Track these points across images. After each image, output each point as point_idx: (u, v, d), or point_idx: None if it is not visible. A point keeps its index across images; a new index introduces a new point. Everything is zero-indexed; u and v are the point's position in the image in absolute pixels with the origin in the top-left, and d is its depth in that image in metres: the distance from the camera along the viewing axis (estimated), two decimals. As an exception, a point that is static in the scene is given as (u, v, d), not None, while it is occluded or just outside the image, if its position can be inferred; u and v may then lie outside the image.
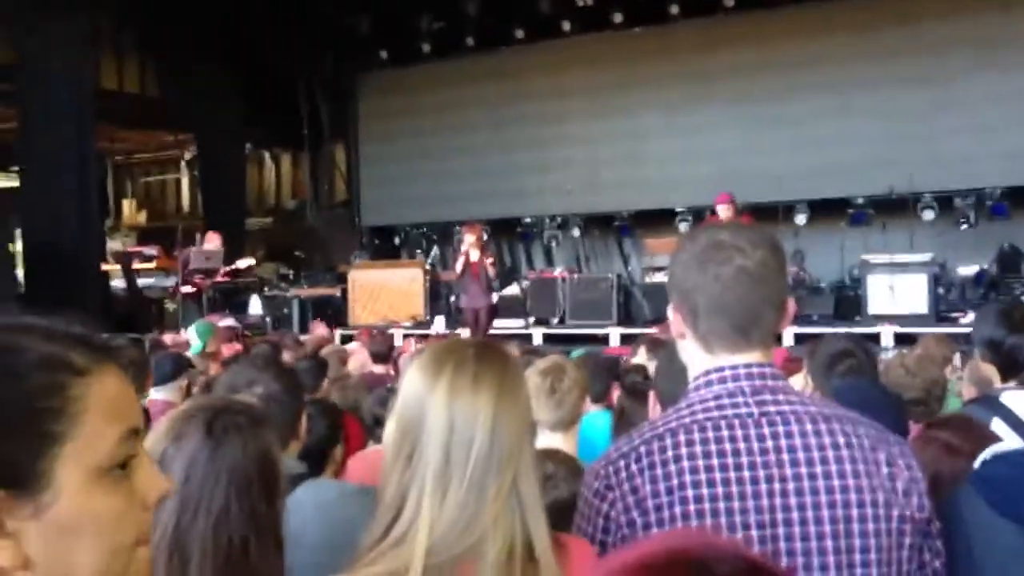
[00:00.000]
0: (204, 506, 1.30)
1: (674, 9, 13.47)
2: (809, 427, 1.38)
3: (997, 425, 2.55)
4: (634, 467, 1.38)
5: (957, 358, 4.88)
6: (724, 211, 9.43)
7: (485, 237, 11.43)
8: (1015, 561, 1.46)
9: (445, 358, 1.30)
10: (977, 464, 1.56)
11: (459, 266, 10.44)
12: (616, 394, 3.76)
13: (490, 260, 10.58)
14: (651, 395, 2.21)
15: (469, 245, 10.37)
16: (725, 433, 1.37)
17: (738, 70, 13.38)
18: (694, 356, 1.47)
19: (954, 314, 10.47)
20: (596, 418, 3.55)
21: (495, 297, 10.64)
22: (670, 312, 1.49)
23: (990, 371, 2.94)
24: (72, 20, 12.16)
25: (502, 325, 11.62)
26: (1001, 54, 11.91)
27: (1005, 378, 2.85)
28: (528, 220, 15.23)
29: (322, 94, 16.77)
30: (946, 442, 1.92)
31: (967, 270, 12.01)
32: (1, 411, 0.78)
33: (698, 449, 1.36)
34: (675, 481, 1.35)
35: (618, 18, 13.93)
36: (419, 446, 1.25)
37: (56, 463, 0.79)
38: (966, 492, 1.53)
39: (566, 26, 14.26)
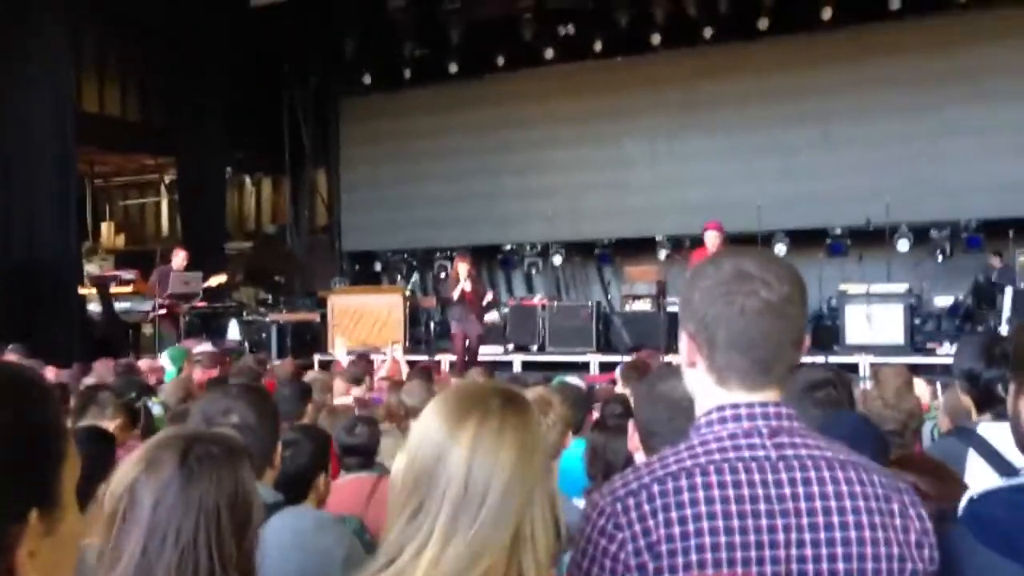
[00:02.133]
0: (172, 537, 1.28)
1: (655, 39, 13.61)
2: (827, 474, 1.33)
3: (972, 457, 2.56)
4: (646, 507, 1.31)
5: (937, 387, 4.89)
6: (712, 238, 9.39)
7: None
8: None
9: (470, 407, 1.26)
10: (964, 503, 1.55)
11: (455, 293, 10.60)
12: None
13: (482, 290, 10.80)
14: (631, 427, 2.19)
15: (463, 274, 10.55)
16: (743, 477, 1.32)
17: (719, 101, 13.51)
18: (704, 387, 1.41)
19: (930, 344, 10.56)
20: (574, 448, 3.53)
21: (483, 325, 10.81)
22: (682, 340, 1.42)
23: (967, 403, 2.96)
24: (53, 42, 12.13)
25: (482, 351, 11.60)
26: (980, 87, 12.09)
27: (981, 410, 2.87)
28: (509, 247, 15.25)
29: (304, 118, 16.79)
30: (913, 485, 1.92)
31: (943, 301, 12.11)
32: (34, 433, 0.81)
33: (716, 493, 1.30)
34: (691, 526, 1.29)
35: (599, 47, 14.05)
36: (431, 495, 1.22)
37: (63, 481, 0.83)
38: (959, 533, 1.51)
39: (549, 54, 14.37)
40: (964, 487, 1.96)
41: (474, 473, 1.21)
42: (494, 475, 1.21)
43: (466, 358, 10.48)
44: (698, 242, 10.07)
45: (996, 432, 2.56)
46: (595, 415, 4.12)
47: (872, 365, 8.64)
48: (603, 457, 2.94)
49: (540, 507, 1.25)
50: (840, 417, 2.67)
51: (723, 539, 1.29)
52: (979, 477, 2.41)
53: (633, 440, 2.21)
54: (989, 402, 2.82)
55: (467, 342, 10.74)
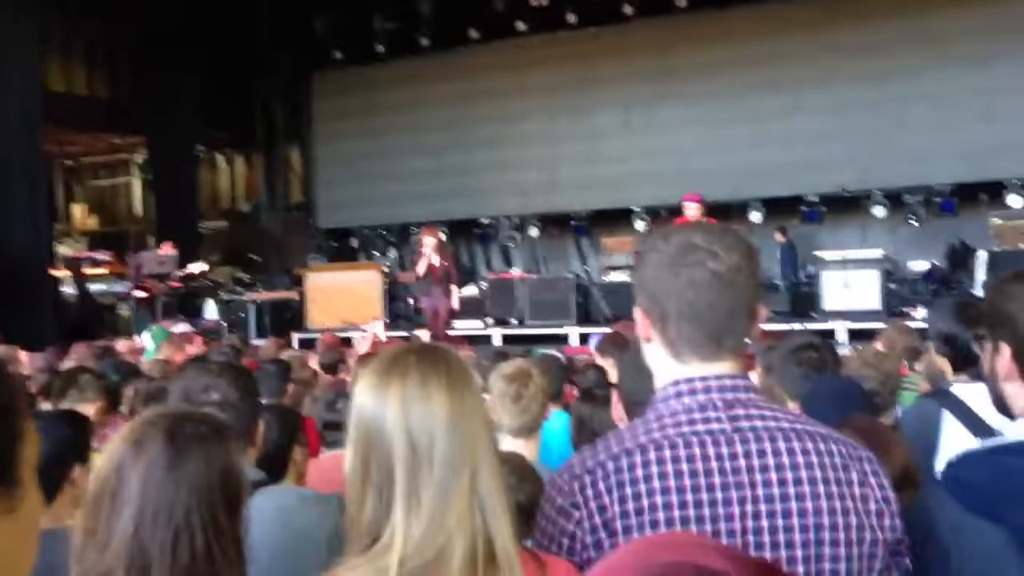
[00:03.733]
0: (164, 515, 1.27)
1: (628, 9, 13.56)
2: (782, 444, 1.33)
3: (947, 418, 2.60)
4: (601, 485, 1.32)
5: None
6: (693, 210, 9.41)
7: (444, 239, 11.46)
8: (996, 562, 1.45)
9: (389, 371, 1.28)
10: (942, 466, 1.57)
11: (420, 268, 10.47)
12: (573, 397, 3.77)
13: (447, 263, 10.63)
14: (614, 397, 2.20)
15: (429, 248, 10.39)
16: (697, 451, 1.32)
17: (693, 70, 13.51)
18: (661, 362, 1.41)
19: (905, 309, 10.66)
20: (553, 419, 3.55)
21: (455, 300, 10.68)
22: (636, 314, 1.43)
23: (944, 364, 3.00)
24: (19, 21, 11.91)
25: (461, 326, 11.61)
26: (951, 53, 12.14)
27: (958, 371, 2.91)
28: (486, 221, 15.23)
29: (276, 94, 16.63)
30: None
31: (918, 266, 12.23)
32: None
33: (669, 468, 1.31)
34: (645, 502, 1.30)
35: (572, 18, 13.99)
36: (384, 462, 1.23)
37: (22, 460, 0.82)
38: (936, 495, 1.52)
39: (521, 26, 14.29)
40: (904, 452, 1.99)
41: (413, 429, 1.23)
42: (433, 424, 1.23)
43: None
44: (676, 212, 10.05)
45: (971, 392, 2.59)
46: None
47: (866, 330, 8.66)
48: (590, 427, 2.97)
49: (486, 455, 1.27)
50: (825, 380, 2.71)
51: (677, 513, 1.30)
52: (954, 438, 2.44)
53: (617, 410, 2.22)
54: (965, 361, 2.86)
55: (438, 316, 10.66)
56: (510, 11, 14.10)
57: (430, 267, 10.39)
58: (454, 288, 10.63)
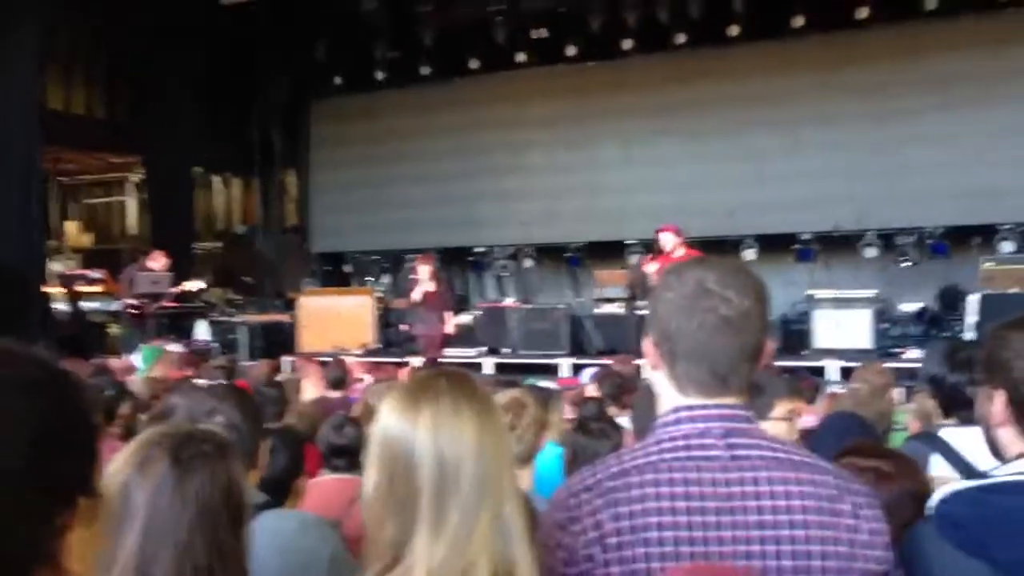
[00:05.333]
0: (170, 535, 1.28)
1: (627, 44, 13.68)
2: (777, 474, 1.37)
3: (935, 461, 2.62)
4: (598, 501, 1.37)
5: (900, 392, 4.97)
6: (668, 240, 9.45)
7: (438, 266, 11.55)
8: None
9: (420, 394, 1.30)
10: (934, 503, 1.59)
11: (416, 295, 10.54)
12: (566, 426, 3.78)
13: (442, 290, 10.73)
14: (630, 429, 2.23)
15: (425, 275, 10.49)
16: (693, 475, 1.36)
17: (691, 105, 13.62)
18: (666, 390, 1.46)
19: (896, 349, 10.71)
20: (547, 449, 3.56)
21: (450, 325, 10.75)
22: (646, 345, 1.48)
23: (932, 407, 3.03)
24: (19, 39, 11.96)
25: (453, 354, 11.61)
26: (948, 96, 12.24)
27: (947, 414, 2.93)
28: (480, 250, 15.26)
29: (274, 119, 16.68)
30: (875, 469, 1.96)
31: (909, 307, 12.29)
32: (81, 422, 0.85)
33: (664, 490, 1.35)
34: (639, 521, 1.34)
35: (572, 51, 14.10)
36: (409, 484, 1.25)
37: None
38: (926, 532, 1.54)
39: (521, 58, 14.39)
40: (925, 473, 2.02)
41: (443, 452, 1.25)
42: (462, 448, 1.25)
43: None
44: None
45: (959, 436, 2.62)
46: (558, 416, 4.17)
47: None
48: (582, 459, 2.98)
49: (509, 480, 1.29)
50: (833, 417, 2.74)
51: (669, 533, 1.33)
52: (958, 484, 2.45)
53: (631, 444, 2.26)
54: (954, 405, 2.89)
55: (432, 344, 10.74)
56: (511, 42, 14.22)
57: (425, 294, 10.48)
58: (448, 314, 10.70)
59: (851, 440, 1.95)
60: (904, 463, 2.03)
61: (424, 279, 10.52)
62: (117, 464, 1.38)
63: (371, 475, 1.31)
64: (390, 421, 1.30)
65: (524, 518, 1.30)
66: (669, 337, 1.42)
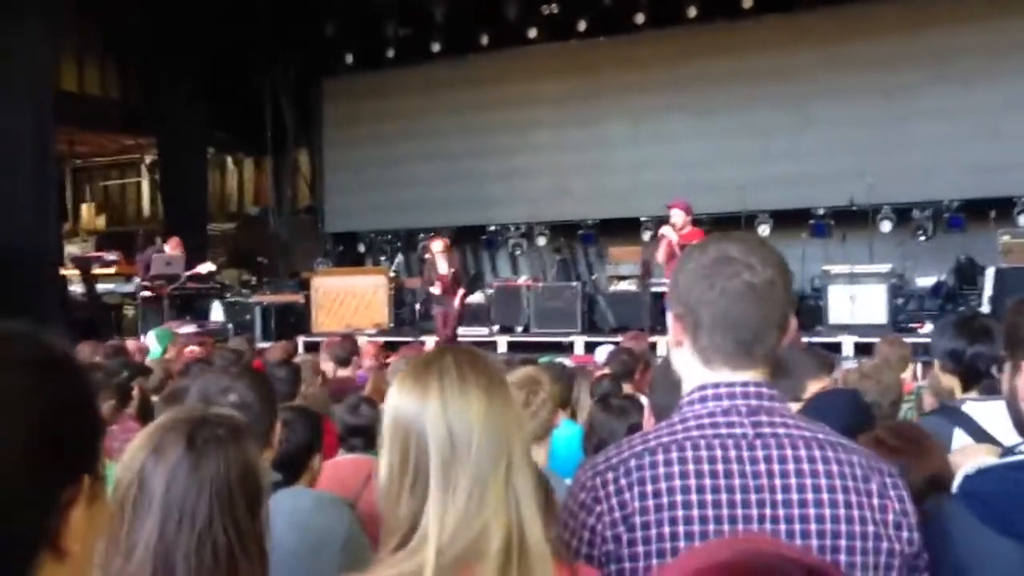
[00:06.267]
0: (188, 519, 1.28)
1: (639, 19, 13.59)
2: (803, 452, 1.35)
3: (958, 435, 2.59)
4: (623, 481, 1.35)
5: (917, 368, 4.94)
6: (676, 216, 9.40)
7: (450, 246, 11.56)
8: None
9: (428, 370, 1.30)
10: (959, 480, 1.57)
11: (434, 286, 10.64)
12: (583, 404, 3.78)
13: (455, 269, 10.80)
14: (647, 406, 2.22)
15: (438, 254, 10.53)
16: (718, 453, 1.35)
17: (703, 81, 13.51)
18: (691, 368, 1.44)
19: (912, 324, 10.65)
20: (562, 427, 3.56)
21: (460, 300, 10.81)
22: (669, 320, 1.46)
23: (951, 382, 2.99)
24: (32, 21, 11.96)
25: (467, 333, 11.62)
26: (961, 68, 12.14)
27: (967, 388, 2.90)
28: (493, 228, 15.24)
29: (286, 98, 16.66)
30: (880, 439, 1.93)
31: (925, 281, 12.21)
32: (86, 402, 0.86)
33: (690, 467, 1.34)
34: (665, 499, 1.33)
35: (583, 27, 14.02)
36: (422, 458, 1.25)
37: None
38: (952, 509, 1.52)
39: (532, 34, 14.32)
40: (945, 455, 1.99)
41: (453, 425, 1.25)
42: (471, 418, 1.25)
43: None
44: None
45: (982, 410, 2.59)
46: (575, 393, 4.18)
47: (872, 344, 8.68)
48: (599, 433, 2.98)
49: (521, 453, 1.29)
50: (827, 392, 2.71)
51: (696, 512, 1.32)
52: (984, 460, 2.42)
53: (649, 422, 2.25)
54: (974, 378, 2.85)
55: (447, 322, 10.80)
56: (522, 19, 14.13)
57: (439, 276, 10.55)
58: (461, 291, 10.79)
59: (836, 417, 1.91)
60: (916, 445, 1.99)
61: (437, 259, 10.57)
62: (132, 450, 1.38)
63: (384, 455, 1.31)
64: (399, 400, 1.31)
65: (536, 489, 1.30)
66: (691, 307, 1.40)
